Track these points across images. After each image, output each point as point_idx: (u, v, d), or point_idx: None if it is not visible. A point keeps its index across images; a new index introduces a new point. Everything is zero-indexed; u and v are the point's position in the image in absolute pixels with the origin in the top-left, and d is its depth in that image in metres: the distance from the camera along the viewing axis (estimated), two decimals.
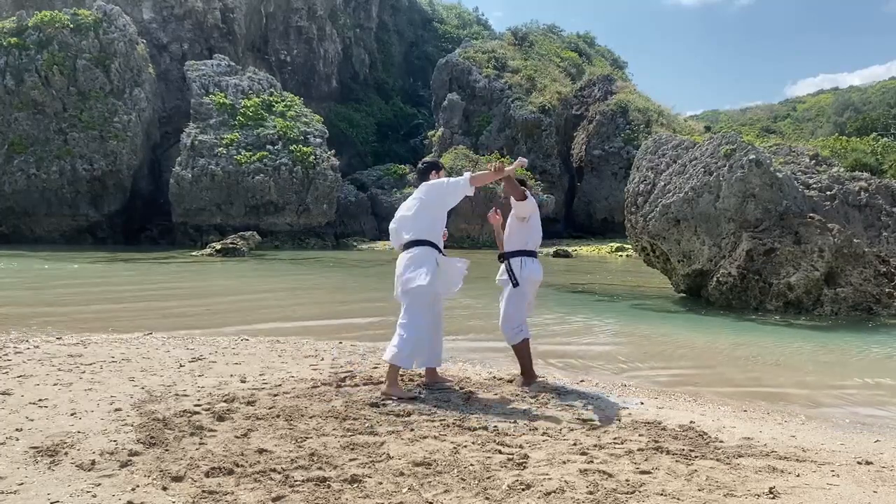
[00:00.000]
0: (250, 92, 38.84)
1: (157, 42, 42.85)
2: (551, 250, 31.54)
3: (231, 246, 27.49)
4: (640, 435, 4.68)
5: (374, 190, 41.86)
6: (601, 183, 43.91)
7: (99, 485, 3.50)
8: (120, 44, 36.30)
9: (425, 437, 4.47)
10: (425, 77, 57.32)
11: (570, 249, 32.45)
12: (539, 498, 3.45)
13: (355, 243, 36.76)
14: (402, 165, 44.76)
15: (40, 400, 5.19)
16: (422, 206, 5.81)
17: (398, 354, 5.58)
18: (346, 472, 3.75)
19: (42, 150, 33.64)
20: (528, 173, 38.80)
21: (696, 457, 4.20)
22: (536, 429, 4.76)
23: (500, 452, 4.17)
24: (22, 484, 3.49)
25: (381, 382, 5.87)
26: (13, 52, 34.29)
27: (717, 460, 4.14)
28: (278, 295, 14.72)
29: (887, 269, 12.56)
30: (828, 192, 13.84)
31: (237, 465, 3.81)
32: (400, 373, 5.80)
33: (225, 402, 5.27)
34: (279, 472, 3.72)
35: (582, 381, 6.67)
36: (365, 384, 5.96)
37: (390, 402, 5.38)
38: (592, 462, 4.03)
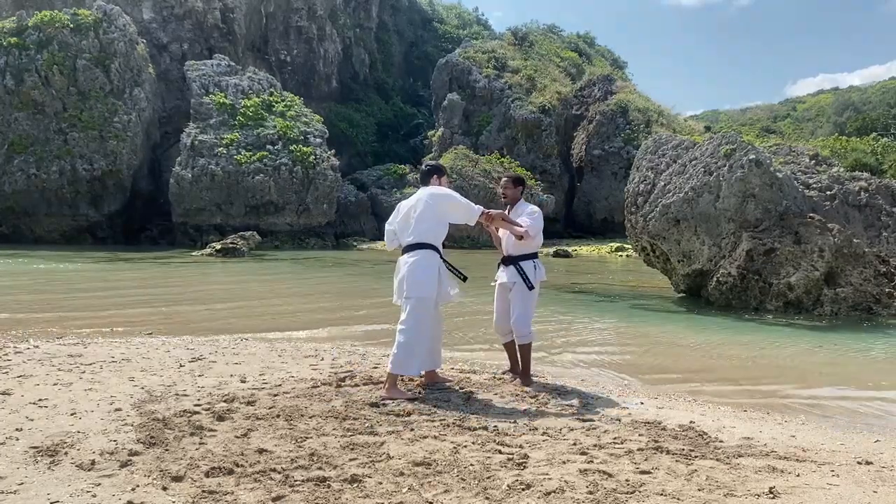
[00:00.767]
0: (250, 92, 38.83)
1: (157, 42, 42.83)
2: (551, 250, 31.52)
3: (231, 246, 27.48)
4: (640, 435, 4.68)
5: (374, 190, 41.84)
6: (601, 183, 43.90)
7: (99, 485, 3.50)
8: (120, 44, 36.29)
9: (425, 437, 4.47)
10: (425, 77, 57.29)
11: (570, 249, 32.43)
12: (539, 498, 3.45)
13: (355, 243, 36.75)
14: (402, 165, 44.73)
15: (40, 400, 5.19)
16: (428, 210, 5.75)
17: (403, 364, 5.57)
18: (346, 472, 3.75)
19: (42, 150, 33.62)
20: (528, 173, 38.82)
21: (696, 457, 4.20)
22: (536, 429, 4.76)
23: (500, 452, 4.17)
24: (22, 484, 3.49)
25: (381, 382, 5.86)
26: (13, 52, 34.27)
27: (717, 460, 4.14)
28: (284, 299, 14.72)
29: (887, 269, 12.56)
30: (828, 192, 13.84)
31: (237, 465, 3.81)
32: (400, 376, 5.79)
33: (225, 402, 5.27)
34: (279, 472, 3.72)
35: (582, 380, 6.68)
36: (365, 384, 5.96)
37: (390, 401, 5.38)
38: (592, 462, 4.03)
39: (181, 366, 6.68)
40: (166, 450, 4.06)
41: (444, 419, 4.92)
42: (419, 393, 5.73)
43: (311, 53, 52.69)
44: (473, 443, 4.37)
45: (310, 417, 4.86)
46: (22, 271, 18.95)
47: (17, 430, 4.41)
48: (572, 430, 4.78)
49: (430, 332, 5.78)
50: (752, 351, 8.85)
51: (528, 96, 45.86)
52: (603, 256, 32.07)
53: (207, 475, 3.66)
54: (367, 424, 4.72)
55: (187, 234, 34.92)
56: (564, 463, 4.01)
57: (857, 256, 12.40)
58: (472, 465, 3.92)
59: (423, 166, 6.37)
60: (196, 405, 5.14)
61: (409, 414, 5.05)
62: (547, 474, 3.79)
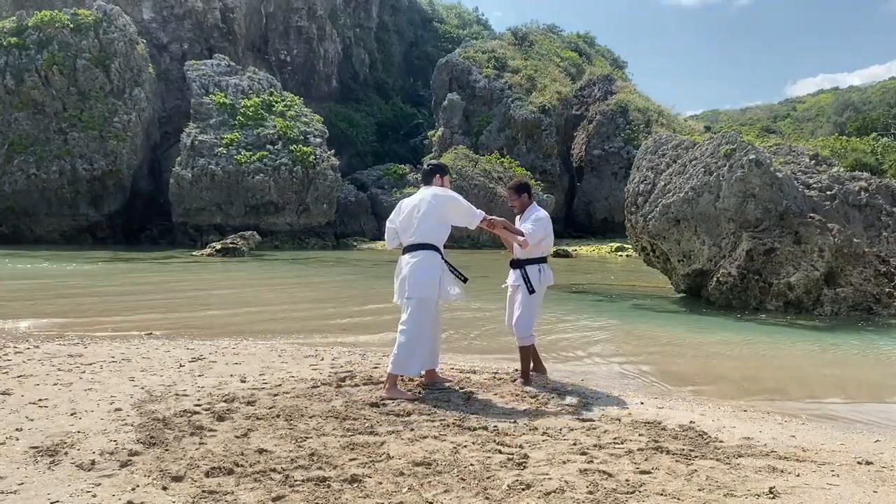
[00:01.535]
0: (250, 92, 38.82)
1: (157, 42, 42.83)
2: (551, 250, 31.49)
3: (231, 246, 27.48)
4: (640, 435, 4.68)
5: (374, 190, 41.84)
6: (601, 183, 43.90)
7: (99, 485, 3.50)
8: (120, 44, 36.29)
9: (425, 437, 4.47)
10: (425, 77, 57.28)
11: (570, 249, 32.44)
12: (539, 498, 3.45)
13: (355, 243, 36.75)
14: (402, 165, 44.73)
15: (40, 400, 5.19)
16: (430, 211, 5.75)
17: (403, 364, 5.57)
18: (346, 472, 3.75)
19: (42, 150, 33.63)
20: (528, 173, 38.81)
21: (696, 457, 4.20)
22: (536, 429, 4.75)
23: (500, 452, 4.17)
24: (22, 484, 3.49)
25: (381, 382, 5.86)
26: (13, 52, 34.27)
27: (717, 460, 4.14)
28: (284, 299, 14.72)
29: (887, 269, 12.56)
30: (828, 192, 13.83)
31: (237, 465, 3.81)
32: (400, 376, 5.79)
33: (225, 401, 5.27)
34: (279, 472, 3.72)
35: (582, 380, 6.68)
36: (365, 384, 5.96)
37: (390, 401, 5.38)
38: (592, 462, 4.03)
39: (181, 366, 6.68)
40: (166, 450, 4.06)
41: (444, 419, 4.92)
42: (419, 393, 5.72)
43: (311, 53, 52.68)
44: (473, 443, 4.37)
45: (310, 417, 4.86)
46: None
47: (17, 430, 4.41)
48: (572, 430, 4.77)
49: (430, 333, 5.78)
50: (752, 350, 8.85)
51: (528, 96, 45.86)
52: (603, 256, 32.07)
53: (207, 475, 3.66)
54: (367, 424, 4.72)
55: (187, 234, 34.92)
56: (564, 463, 4.01)
57: (857, 256, 12.39)
58: (472, 465, 3.92)
59: (426, 165, 6.36)
60: (196, 405, 5.14)
61: (409, 414, 5.05)
62: (547, 474, 3.79)
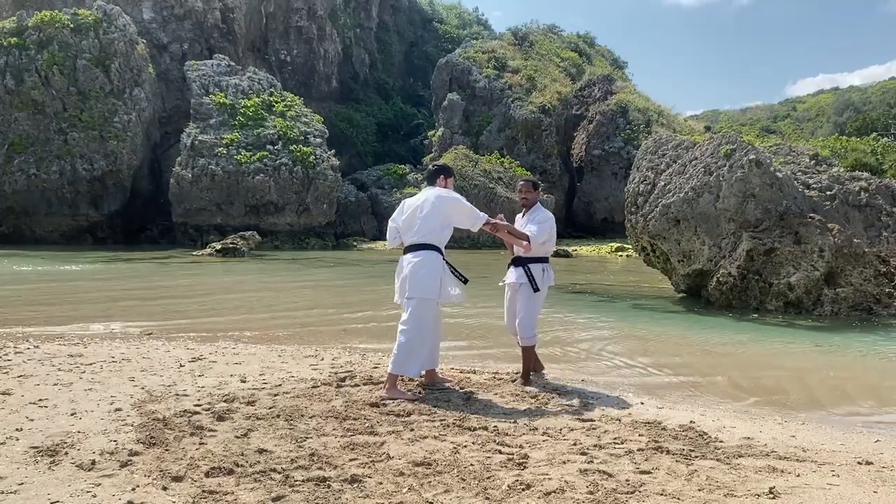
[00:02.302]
0: (250, 92, 38.82)
1: (157, 42, 42.83)
2: (553, 248, 31.42)
3: (231, 246, 27.48)
4: (640, 435, 4.68)
5: (374, 190, 41.84)
6: (601, 183, 43.90)
7: (99, 485, 3.50)
8: (120, 44, 36.29)
9: (425, 437, 4.47)
10: (425, 77, 57.28)
11: (570, 249, 32.42)
12: (539, 498, 3.45)
13: (355, 243, 36.75)
14: (402, 165, 44.73)
15: (40, 400, 5.20)
16: (434, 211, 5.75)
17: (404, 364, 5.57)
18: (346, 472, 3.75)
19: (42, 150, 33.62)
20: (529, 173, 38.81)
21: (696, 457, 4.20)
22: (536, 429, 4.75)
23: (500, 452, 4.17)
24: (22, 484, 3.49)
25: (381, 382, 5.86)
26: (13, 52, 34.26)
27: (717, 460, 4.14)
28: (285, 299, 14.71)
29: (887, 269, 12.56)
30: (828, 192, 13.83)
31: (237, 465, 3.81)
32: (400, 376, 5.79)
33: (225, 402, 5.27)
34: (279, 472, 3.72)
35: (582, 380, 6.68)
36: (365, 384, 5.96)
37: (390, 401, 5.38)
38: (592, 462, 4.03)
39: (181, 366, 6.69)
40: (166, 450, 4.06)
41: (444, 419, 4.92)
42: (419, 393, 5.72)
43: (311, 53, 52.68)
44: (473, 443, 4.37)
45: (310, 417, 4.86)
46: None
47: (17, 430, 4.41)
48: (572, 430, 4.77)
49: (431, 333, 5.78)
50: (752, 351, 8.85)
51: (528, 96, 45.85)
52: (603, 256, 32.06)
53: (207, 475, 3.66)
54: (367, 424, 4.72)
55: (187, 234, 34.92)
56: (564, 463, 4.01)
57: (858, 256, 12.39)
58: (472, 465, 3.92)
59: (431, 166, 6.36)
60: (196, 405, 5.14)
61: (409, 414, 5.05)
62: (547, 474, 3.79)
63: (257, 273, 20.85)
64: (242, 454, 4.01)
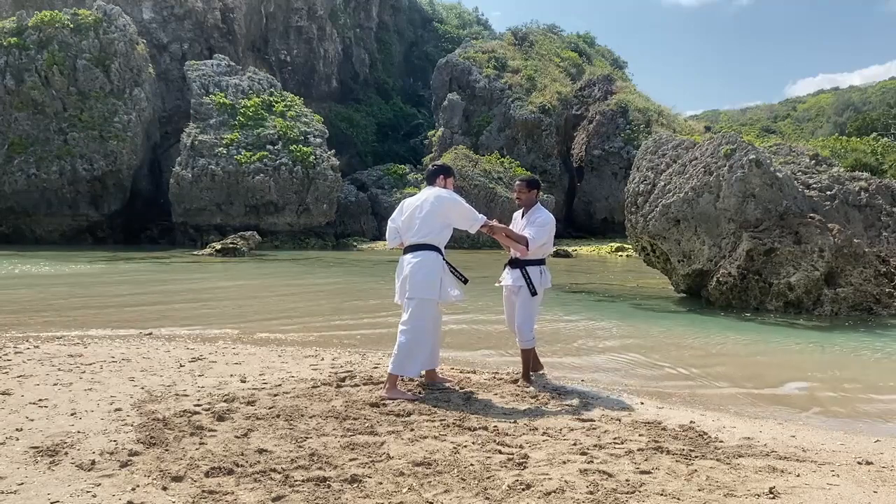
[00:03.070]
0: (250, 92, 38.82)
1: (157, 42, 42.84)
2: (551, 250, 31.43)
3: (231, 246, 27.49)
4: (640, 435, 4.67)
5: (374, 190, 41.84)
6: (601, 183, 43.90)
7: (99, 485, 3.50)
8: (120, 44, 36.29)
9: (425, 437, 4.46)
10: (425, 77, 57.29)
11: (570, 249, 32.42)
12: (539, 498, 3.45)
13: (355, 243, 36.75)
14: (402, 165, 44.74)
15: (40, 400, 5.19)
16: (433, 212, 5.74)
17: (404, 364, 5.57)
18: (346, 472, 3.75)
19: (42, 150, 33.62)
20: (529, 173, 38.81)
21: (696, 457, 4.19)
22: (536, 429, 4.75)
23: (500, 452, 4.17)
24: (22, 484, 3.49)
25: (381, 382, 5.86)
26: (13, 52, 34.27)
27: (717, 460, 4.14)
28: (285, 299, 14.71)
29: (887, 269, 12.56)
30: (828, 192, 13.83)
31: (237, 465, 3.81)
32: (400, 377, 5.79)
33: (225, 402, 5.27)
34: (279, 472, 3.72)
35: (582, 380, 6.68)
36: (365, 384, 5.96)
37: (390, 401, 5.38)
38: (592, 462, 4.02)
39: (181, 366, 6.68)
40: (166, 450, 4.06)
41: (444, 419, 4.92)
42: (419, 393, 5.72)
43: (311, 53, 52.69)
44: (473, 443, 4.37)
45: (310, 417, 4.86)
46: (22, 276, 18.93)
47: (17, 430, 4.41)
48: (572, 430, 4.77)
49: (431, 334, 5.78)
50: (752, 350, 8.85)
51: (528, 96, 45.85)
52: (603, 256, 32.06)
53: (207, 475, 3.66)
54: (367, 424, 4.72)
55: (187, 234, 34.93)
56: (564, 463, 4.01)
57: (858, 256, 12.39)
58: (472, 465, 3.92)
59: (431, 166, 6.34)
60: (196, 405, 5.14)
61: (409, 414, 5.05)
62: (547, 474, 3.79)
63: (258, 274, 20.86)
64: (242, 454, 4.01)
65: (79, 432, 4.39)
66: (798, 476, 3.88)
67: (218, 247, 27.45)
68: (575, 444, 4.39)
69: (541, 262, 6.27)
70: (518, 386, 6.11)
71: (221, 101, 37.18)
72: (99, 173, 34.08)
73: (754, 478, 3.83)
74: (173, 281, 17.48)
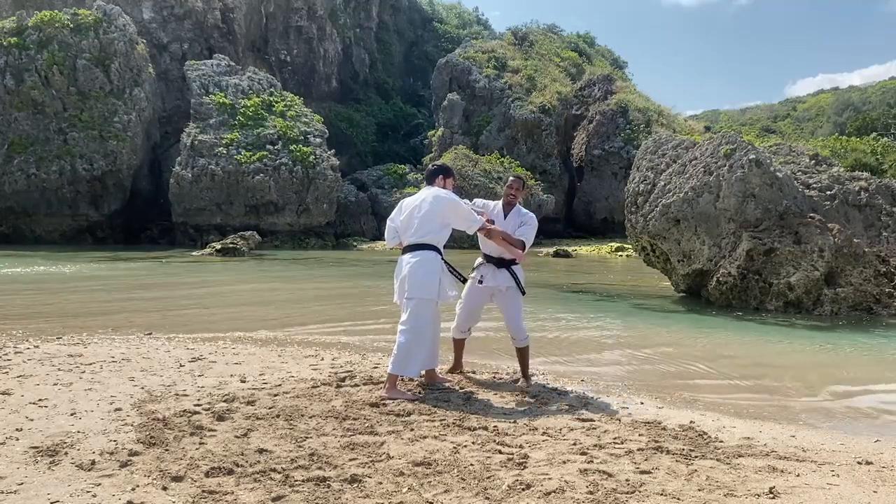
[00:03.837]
0: (250, 92, 38.83)
1: (157, 42, 42.85)
2: (551, 250, 31.49)
3: (231, 246, 27.51)
4: (640, 435, 4.67)
5: (374, 190, 41.85)
6: (601, 183, 43.92)
7: (99, 485, 3.49)
8: (120, 44, 36.30)
9: (425, 437, 4.46)
10: (425, 77, 57.31)
11: (570, 249, 32.43)
12: (539, 498, 3.45)
13: (355, 243, 36.76)
14: (402, 165, 44.76)
15: (40, 400, 5.19)
16: (431, 212, 5.74)
17: (403, 364, 5.56)
18: (346, 472, 3.75)
19: (42, 150, 33.63)
20: (528, 173, 38.80)
21: (696, 457, 4.19)
22: (536, 429, 4.75)
23: (500, 452, 4.17)
24: (22, 484, 3.48)
25: (381, 382, 5.86)
26: (13, 52, 34.28)
27: (717, 460, 4.14)
28: (286, 299, 14.71)
29: (887, 269, 12.56)
30: (828, 192, 13.83)
31: (237, 465, 3.81)
32: (400, 377, 5.78)
33: (225, 401, 5.27)
34: (279, 472, 3.72)
35: (582, 380, 6.67)
36: (365, 384, 5.96)
37: (390, 401, 5.37)
38: (592, 462, 4.02)
39: (181, 366, 6.68)
40: (166, 450, 4.06)
41: (444, 419, 4.92)
42: (419, 393, 5.72)
43: (311, 53, 52.71)
44: (473, 443, 4.37)
45: (310, 417, 4.86)
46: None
47: (17, 430, 4.41)
48: (572, 430, 4.77)
49: (430, 334, 5.78)
50: (752, 351, 8.85)
51: (528, 96, 45.87)
52: (603, 256, 32.06)
53: (207, 475, 3.65)
54: (367, 424, 4.72)
55: (187, 234, 34.94)
56: (564, 463, 4.00)
57: (857, 256, 12.39)
58: (472, 465, 3.92)
59: (431, 166, 6.33)
60: (196, 405, 5.13)
61: (409, 414, 5.04)
62: (547, 474, 3.79)
63: (256, 273, 20.86)
64: (242, 454, 4.01)
65: (79, 432, 4.39)
66: (798, 476, 3.88)
67: (218, 247, 27.46)
68: (575, 444, 4.39)
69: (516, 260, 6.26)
70: (518, 386, 6.11)
71: (221, 100, 37.19)
72: (99, 173, 34.09)
73: (754, 478, 3.83)
74: (174, 286, 17.48)
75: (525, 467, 3.90)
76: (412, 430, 4.63)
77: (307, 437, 4.38)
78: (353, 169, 45.90)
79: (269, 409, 5.07)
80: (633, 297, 15.15)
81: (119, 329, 9.42)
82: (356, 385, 5.93)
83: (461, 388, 5.94)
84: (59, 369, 6.34)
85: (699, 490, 3.60)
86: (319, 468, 3.81)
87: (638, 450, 4.29)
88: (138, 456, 3.94)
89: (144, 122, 36.79)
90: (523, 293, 6.12)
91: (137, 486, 3.49)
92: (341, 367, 6.80)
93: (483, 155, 40.92)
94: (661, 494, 3.52)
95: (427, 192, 5.88)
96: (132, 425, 4.57)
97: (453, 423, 4.80)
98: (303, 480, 3.61)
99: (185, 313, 11.46)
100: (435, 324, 5.86)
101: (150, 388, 5.70)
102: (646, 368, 7.65)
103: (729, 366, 7.91)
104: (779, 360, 8.28)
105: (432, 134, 47.24)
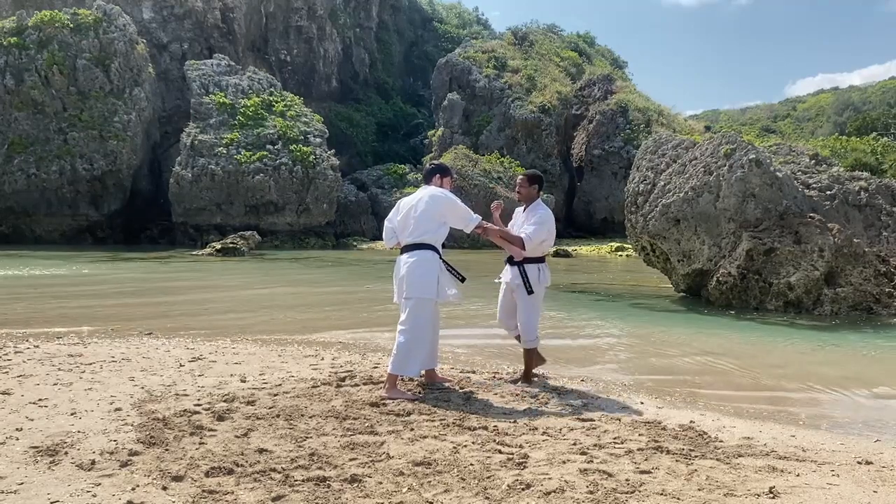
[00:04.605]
0: (250, 92, 38.84)
1: (157, 42, 42.85)
2: (551, 250, 31.43)
3: (231, 246, 27.52)
4: (640, 435, 4.67)
5: (374, 190, 41.86)
6: (601, 183, 43.93)
7: (99, 484, 3.49)
8: (120, 43, 36.31)
9: (425, 437, 4.46)
10: (425, 77, 57.33)
11: (570, 249, 32.42)
12: (539, 498, 3.45)
13: (355, 243, 36.77)
14: (402, 165, 44.78)
15: (40, 400, 5.19)
16: (428, 211, 5.72)
17: (403, 364, 5.56)
18: (346, 471, 3.75)
19: (42, 150, 33.64)
20: (532, 170, 38.77)
21: (696, 456, 4.19)
22: (536, 429, 4.75)
23: (500, 452, 4.17)
24: (22, 484, 3.48)
25: (381, 382, 5.86)
26: (13, 52, 34.30)
27: (717, 460, 4.14)
28: (285, 299, 14.70)
29: (887, 269, 12.55)
30: (828, 192, 13.83)
31: (237, 465, 3.81)
32: (399, 376, 5.78)
33: (225, 401, 5.27)
34: (279, 472, 3.72)
35: (582, 380, 6.67)
36: (365, 384, 5.96)
37: (390, 401, 5.37)
38: (592, 462, 4.02)
39: (181, 365, 6.68)
40: (166, 450, 4.06)
41: (444, 419, 4.92)
42: (419, 393, 5.72)
43: (311, 53, 52.72)
44: (473, 443, 4.37)
45: (310, 417, 4.86)
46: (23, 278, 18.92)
47: (17, 430, 4.41)
48: (572, 429, 4.77)
49: (430, 333, 5.77)
50: (751, 350, 8.85)
51: (528, 96, 45.88)
52: (603, 256, 32.06)
53: (207, 475, 3.65)
54: (367, 424, 4.72)
55: (187, 234, 34.95)
56: (564, 463, 4.00)
57: (857, 256, 12.39)
58: (472, 464, 3.92)
59: (428, 165, 6.30)
60: (196, 405, 5.14)
61: (409, 414, 5.04)
62: (547, 474, 3.79)
63: (257, 273, 20.85)
64: (242, 454, 4.01)
65: (79, 432, 4.39)
66: (798, 476, 3.88)
67: (218, 246, 27.47)
68: (575, 444, 4.39)
69: (540, 260, 6.15)
70: (518, 385, 6.10)
71: (221, 100, 37.19)
72: (99, 173, 34.10)
73: (754, 477, 3.83)
74: (174, 286, 17.48)
75: (525, 467, 3.90)
76: (412, 429, 4.63)
77: (307, 437, 4.38)
78: (353, 169, 45.91)
79: (269, 408, 5.07)
80: (633, 297, 15.15)
81: (119, 329, 9.43)
82: (356, 385, 5.93)
83: (461, 388, 5.94)
84: (59, 369, 6.34)
85: (699, 490, 3.60)
86: (319, 468, 3.81)
87: (638, 450, 4.29)
88: (138, 456, 3.94)
89: (144, 121, 36.79)
90: (529, 292, 6.01)
91: (137, 485, 3.49)
92: (341, 366, 6.80)
93: (483, 155, 40.91)
94: (661, 494, 3.52)
95: (424, 192, 5.87)
96: (132, 425, 4.57)
97: (453, 423, 4.80)
98: (303, 480, 3.61)
99: (184, 314, 11.46)
100: (434, 323, 5.85)
101: (150, 387, 5.70)
102: (646, 368, 7.65)
103: (729, 365, 7.91)
104: (779, 360, 8.28)
105: (432, 134, 47.25)
